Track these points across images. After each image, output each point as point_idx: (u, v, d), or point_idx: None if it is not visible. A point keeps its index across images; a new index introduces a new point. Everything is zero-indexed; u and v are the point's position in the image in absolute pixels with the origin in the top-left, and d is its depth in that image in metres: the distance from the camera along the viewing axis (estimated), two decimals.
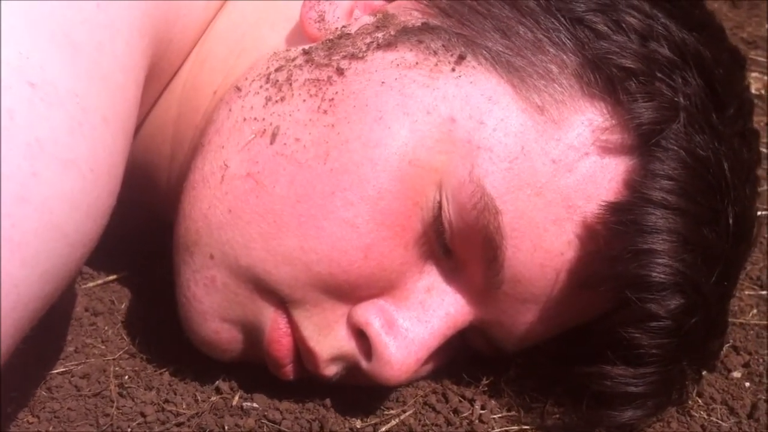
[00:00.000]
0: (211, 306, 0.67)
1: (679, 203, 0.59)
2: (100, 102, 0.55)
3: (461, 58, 0.62)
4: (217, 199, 0.64)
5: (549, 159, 0.60)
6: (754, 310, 0.85)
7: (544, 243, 0.61)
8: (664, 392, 0.65)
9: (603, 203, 0.60)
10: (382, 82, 0.63)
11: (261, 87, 0.66)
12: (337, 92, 0.63)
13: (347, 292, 0.64)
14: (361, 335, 0.65)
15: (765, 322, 0.83)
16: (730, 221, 0.62)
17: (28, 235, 0.49)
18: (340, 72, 0.64)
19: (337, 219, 0.61)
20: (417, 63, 0.63)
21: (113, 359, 0.74)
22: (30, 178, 0.49)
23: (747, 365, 0.77)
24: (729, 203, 0.62)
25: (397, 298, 0.65)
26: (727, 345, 0.80)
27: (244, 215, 0.63)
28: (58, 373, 0.71)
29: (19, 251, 0.49)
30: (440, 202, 0.62)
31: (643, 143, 0.60)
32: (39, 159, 0.50)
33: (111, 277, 0.84)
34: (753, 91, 1.48)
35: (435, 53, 0.63)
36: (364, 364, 0.65)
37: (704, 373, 0.73)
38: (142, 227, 0.80)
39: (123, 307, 0.81)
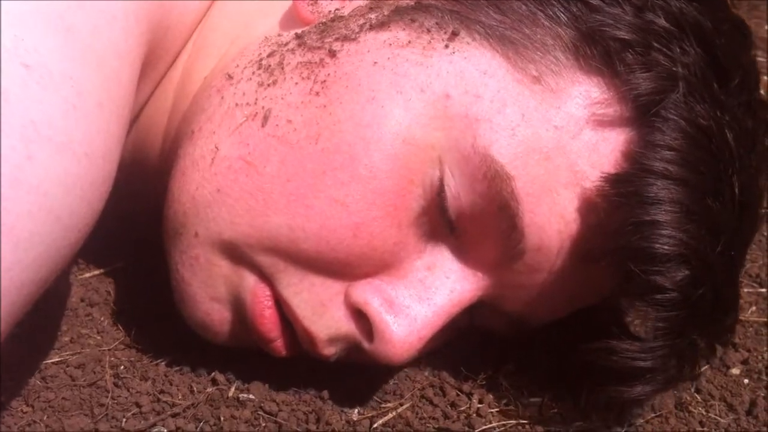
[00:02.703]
0: (199, 286, 0.66)
1: (681, 173, 0.58)
2: (95, 86, 0.55)
3: (454, 34, 0.62)
4: (206, 180, 0.64)
5: (551, 125, 0.60)
6: (753, 308, 0.85)
7: (558, 207, 0.60)
8: (674, 367, 0.64)
9: (603, 175, 0.59)
10: (375, 62, 0.62)
11: (253, 73, 0.66)
12: (329, 74, 0.63)
13: (337, 270, 0.63)
14: (360, 315, 0.64)
15: (764, 320, 0.83)
16: (736, 191, 0.61)
17: (22, 219, 0.49)
18: (332, 54, 0.63)
19: (327, 198, 0.61)
20: (410, 42, 0.62)
21: (109, 350, 0.73)
22: (24, 161, 0.49)
23: (746, 362, 0.77)
24: (734, 173, 0.61)
25: (394, 276, 0.64)
26: None
27: (233, 193, 0.63)
28: (53, 362, 0.71)
29: (12, 234, 0.48)
30: (442, 179, 0.61)
31: (642, 114, 0.60)
32: (34, 142, 0.49)
33: (107, 268, 0.84)
34: None
35: (428, 31, 0.62)
36: (365, 344, 0.64)
37: (719, 348, 0.72)
38: (140, 218, 0.79)
39: (119, 297, 0.80)
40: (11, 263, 0.49)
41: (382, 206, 0.61)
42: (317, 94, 0.62)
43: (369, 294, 0.63)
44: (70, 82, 0.52)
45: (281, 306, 0.65)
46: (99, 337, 0.75)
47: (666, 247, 0.58)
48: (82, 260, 0.84)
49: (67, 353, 0.72)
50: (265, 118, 0.63)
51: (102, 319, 0.77)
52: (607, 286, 0.62)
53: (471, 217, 0.62)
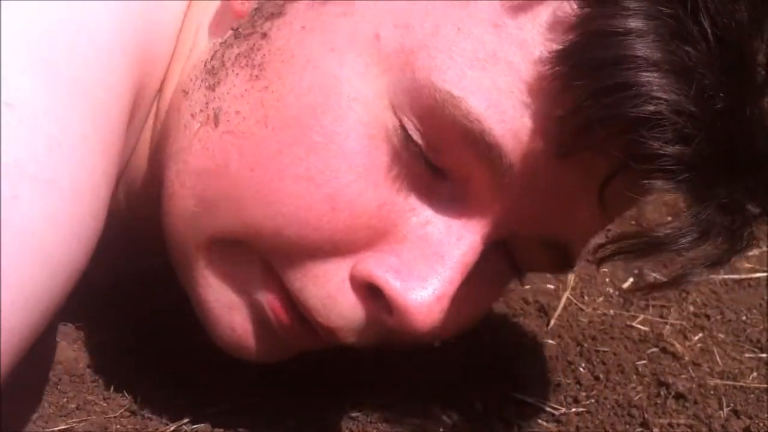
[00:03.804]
0: (215, 299, 0.66)
1: (629, 25, 0.53)
2: (80, 121, 0.55)
3: None
4: (186, 198, 0.64)
5: (490, 26, 0.56)
6: (754, 374, 0.85)
7: (525, 105, 0.56)
8: (723, 235, 0.57)
9: (553, 54, 0.55)
10: (303, 27, 0.61)
11: (202, 80, 0.65)
12: (264, 55, 0.62)
13: (333, 252, 0.61)
14: (374, 293, 0.61)
15: (765, 386, 0.83)
16: (707, 29, 0.53)
17: (10, 260, 0.48)
18: (264, 35, 0.63)
19: (292, 177, 0.59)
20: None
21: (114, 417, 0.73)
22: (10, 201, 0.49)
23: (747, 429, 0.77)
24: (702, 15, 0.53)
25: (392, 243, 0.61)
26: (728, 409, 0.80)
27: (211, 198, 0.63)
28: (59, 430, 0.70)
29: (0, 276, 0.48)
30: (402, 126, 0.58)
31: None
32: (19, 181, 0.49)
33: (114, 334, 0.84)
34: None
35: None
36: (388, 321, 0.62)
37: None
38: (146, 281, 0.80)
39: (125, 363, 0.80)
40: (2, 305, 0.48)
41: (350, 170, 0.58)
42: (257, 78, 0.61)
43: (371, 266, 0.60)
44: (53, 118, 0.53)
45: (293, 303, 0.64)
46: (105, 404, 0.75)
47: (633, 110, 0.52)
48: (89, 325, 0.85)
49: (74, 420, 0.72)
50: (216, 118, 0.62)
51: (108, 385, 0.77)
52: (603, 172, 0.57)
53: (446, 154, 0.59)
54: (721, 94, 0.54)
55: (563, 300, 0.99)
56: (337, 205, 0.59)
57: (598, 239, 0.63)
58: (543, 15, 0.56)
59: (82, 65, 0.56)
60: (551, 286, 1.02)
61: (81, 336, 0.83)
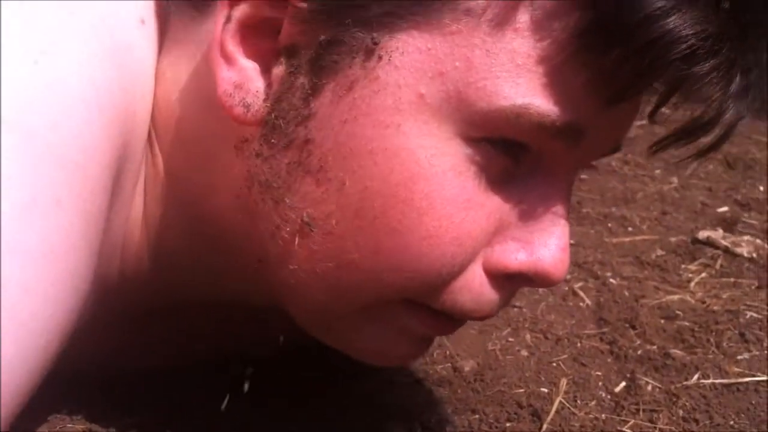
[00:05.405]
0: (375, 345, 0.71)
1: None
2: (52, 184, 0.55)
3: (375, 44, 0.60)
4: (314, 293, 0.67)
5: (509, 32, 0.59)
6: None
7: (573, 82, 0.60)
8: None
9: (575, 31, 0.58)
10: (344, 121, 0.62)
11: (261, 194, 0.66)
12: (320, 158, 0.63)
13: (465, 267, 0.66)
14: (509, 275, 0.68)
15: None
16: None
17: None
18: (307, 141, 0.63)
19: (416, 241, 0.62)
20: (352, 81, 0.61)
21: None
22: None
23: None
24: None
25: (503, 232, 0.66)
26: None
27: (343, 287, 0.66)
28: None
29: None
30: (479, 147, 0.62)
31: None
32: None
33: (138, 420, 0.86)
34: (745, 254, 1.55)
35: (353, 58, 0.61)
36: (530, 285, 0.69)
37: None
38: (176, 363, 0.84)
39: None
40: None
41: (459, 210, 0.63)
42: (327, 180, 0.63)
43: (500, 259, 0.66)
44: (20, 184, 0.53)
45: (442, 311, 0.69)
46: None
47: (671, 54, 0.57)
48: (112, 413, 0.88)
49: None
50: (308, 225, 0.64)
51: None
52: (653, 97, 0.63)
53: (521, 146, 0.63)
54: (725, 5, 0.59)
55: (556, 404, 1.03)
56: (461, 241, 0.64)
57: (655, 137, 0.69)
58: (557, 3, 0.59)
59: (56, 126, 0.56)
60: (545, 390, 1.07)
61: (105, 425, 0.87)
